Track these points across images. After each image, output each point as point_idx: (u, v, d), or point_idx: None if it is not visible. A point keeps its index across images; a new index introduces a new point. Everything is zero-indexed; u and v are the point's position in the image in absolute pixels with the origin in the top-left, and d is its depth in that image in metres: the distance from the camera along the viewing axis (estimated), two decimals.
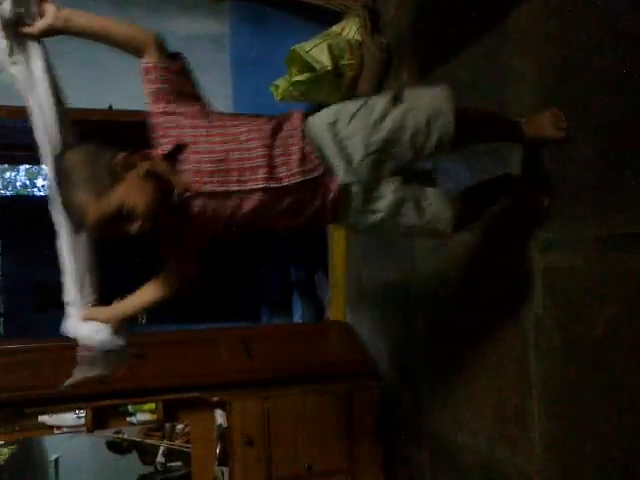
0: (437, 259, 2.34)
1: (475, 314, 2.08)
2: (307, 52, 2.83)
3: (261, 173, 1.29)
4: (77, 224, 1.29)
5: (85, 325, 1.52)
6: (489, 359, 1.98)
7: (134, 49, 1.31)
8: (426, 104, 1.37)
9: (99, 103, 2.92)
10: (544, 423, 1.70)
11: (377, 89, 2.91)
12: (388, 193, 1.40)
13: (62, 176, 1.23)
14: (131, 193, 1.21)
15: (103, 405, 2.72)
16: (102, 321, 1.51)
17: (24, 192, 10.96)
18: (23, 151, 4.02)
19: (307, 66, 2.84)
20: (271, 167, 1.30)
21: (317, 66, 2.82)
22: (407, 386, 2.71)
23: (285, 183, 1.32)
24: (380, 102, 1.37)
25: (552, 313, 1.64)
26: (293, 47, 2.85)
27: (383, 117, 1.34)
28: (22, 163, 7.13)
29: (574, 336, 1.56)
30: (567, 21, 1.58)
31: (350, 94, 3.01)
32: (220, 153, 1.28)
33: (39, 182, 11.21)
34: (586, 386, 1.52)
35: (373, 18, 2.90)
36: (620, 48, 1.39)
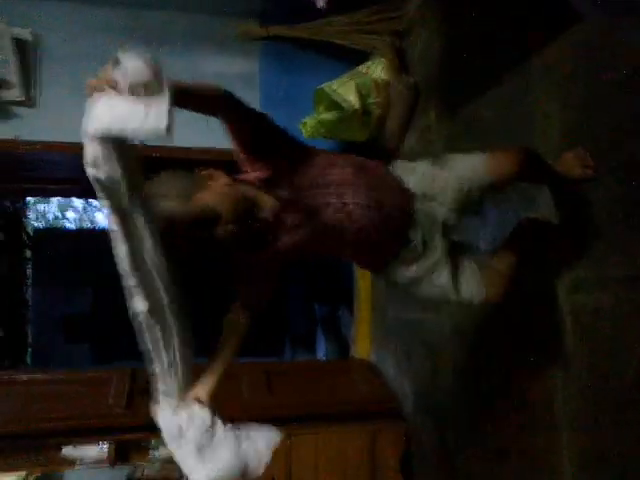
0: None
1: (502, 354, 2.04)
2: (334, 91, 2.89)
3: (362, 191, 1.36)
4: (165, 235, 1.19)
5: (183, 415, 1.30)
6: (516, 400, 1.94)
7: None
8: (465, 167, 1.43)
9: None
10: (573, 460, 1.65)
11: (405, 127, 2.94)
12: (432, 254, 1.46)
13: (152, 199, 1.19)
14: (216, 197, 1.24)
15: (127, 439, 2.71)
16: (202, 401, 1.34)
17: (56, 224, 11.22)
18: (55, 184, 4.14)
19: (334, 105, 2.89)
20: (366, 188, 1.36)
21: (344, 105, 2.87)
22: (432, 426, 2.64)
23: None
24: (422, 167, 1.47)
25: (581, 354, 1.60)
26: (321, 86, 2.91)
27: (424, 179, 1.44)
28: (54, 196, 7.30)
29: (604, 378, 1.52)
30: (593, 60, 1.59)
31: (377, 132, 3.04)
32: (318, 173, 1.34)
33: (70, 215, 11.48)
34: (617, 429, 1.48)
35: (400, 57, 2.95)
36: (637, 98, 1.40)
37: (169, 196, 1.21)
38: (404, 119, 2.93)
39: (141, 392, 2.80)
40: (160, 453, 2.88)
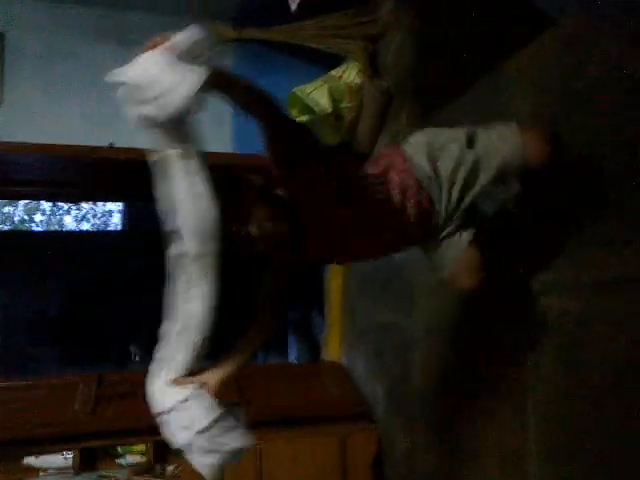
0: (435, 300, 2.33)
1: (473, 356, 2.05)
2: (307, 95, 2.89)
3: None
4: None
5: (173, 392, 1.23)
6: (487, 402, 1.95)
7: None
8: (498, 154, 1.39)
9: (100, 140, 2.96)
10: (542, 466, 1.66)
11: (377, 131, 2.94)
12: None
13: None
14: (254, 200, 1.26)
15: (92, 446, 2.65)
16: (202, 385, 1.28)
17: (22, 227, 10.97)
18: (22, 186, 4.04)
19: (307, 108, 2.89)
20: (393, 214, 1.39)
21: (317, 109, 2.87)
22: (403, 429, 2.65)
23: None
24: (455, 148, 1.40)
25: (550, 357, 1.62)
26: (294, 90, 2.90)
27: (459, 165, 1.38)
28: (21, 198, 7.14)
29: (573, 380, 1.54)
30: (567, 60, 1.60)
31: (349, 136, 3.05)
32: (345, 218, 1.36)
33: (37, 217, 11.23)
34: (586, 430, 1.50)
35: (373, 62, 2.96)
36: (619, 90, 1.42)
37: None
38: (376, 123, 2.93)
39: (108, 398, 2.75)
40: (127, 460, 2.83)
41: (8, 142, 2.86)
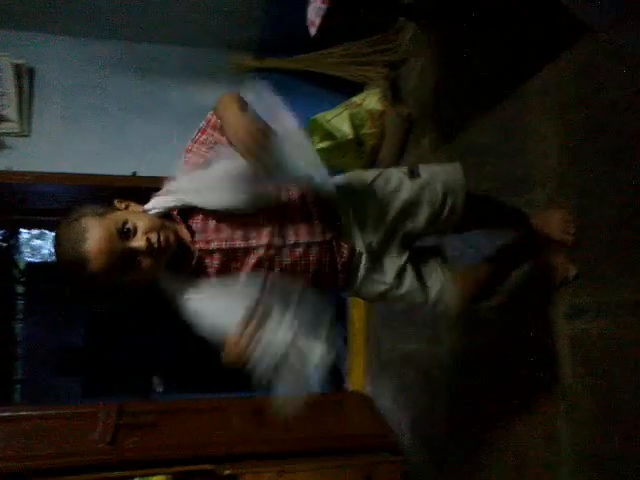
0: (461, 327, 2.26)
1: (502, 385, 1.98)
2: (328, 121, 2.89)
3: (265, 231, 1.26)
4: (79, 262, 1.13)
5: None
6: (517, 433, 1.87)
7: None
8: (442, 179, 1.39)
9: (123, 170, 3.00)
10: None
11: (398, 157, 2.93)
12: (394, 267, 1.39)
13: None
14: (132, 214, 1.22)
15: (110, 477, 2.60)
16: None
17: (50, 259, 11.15)
18: (47, 216, 4.09)
19: (328, 135, 2.89)
20: (277, 225, 1.27)
21: (338, 135, 2.87)
22: (430, 461, 2.55)
23: (291, 241, 1.27)
24: (396, 173, 1.40)
25: (583, 382, 1.55)
26: (314, 116, 2.91)
27: (399, 188, 1.37)
28: (46, 228, 7.24)
29: (607, 406, 1.46)
30: (590, 81, 1.57)
31: (371, 162, 3.04)
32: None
33: None
34: (622, 459, 1.41)
35: (394, 88, 2.97)
36: None
37: (87, 216, 1.18)
38: (397, 149, 2.92)
39: (128, 428, 2.72)
40: None
41: (35, 172, 2.91)
